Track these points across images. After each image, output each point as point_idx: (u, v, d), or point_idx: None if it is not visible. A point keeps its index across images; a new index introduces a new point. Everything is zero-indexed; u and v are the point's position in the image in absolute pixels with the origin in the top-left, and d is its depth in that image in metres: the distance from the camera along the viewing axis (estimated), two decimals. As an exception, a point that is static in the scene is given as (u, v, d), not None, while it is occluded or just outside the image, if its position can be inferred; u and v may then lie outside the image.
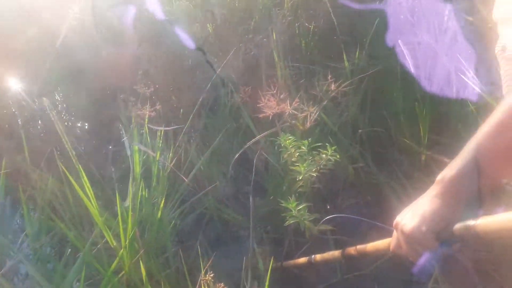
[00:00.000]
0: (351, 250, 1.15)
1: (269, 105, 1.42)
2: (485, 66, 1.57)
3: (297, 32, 2.52)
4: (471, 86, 1.54)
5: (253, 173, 1.79)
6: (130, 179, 1.58)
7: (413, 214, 0.80)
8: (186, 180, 1.76)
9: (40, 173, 1.80)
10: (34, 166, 1.85)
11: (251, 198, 1.73)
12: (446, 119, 1.96)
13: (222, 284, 1.30)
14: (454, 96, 1.88)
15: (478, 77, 1.56)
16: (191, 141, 2.21)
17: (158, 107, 1.91)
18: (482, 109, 1.63)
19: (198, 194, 1.87)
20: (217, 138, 1.99)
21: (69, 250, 1.62)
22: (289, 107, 1.41)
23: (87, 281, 1.45)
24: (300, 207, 1.48)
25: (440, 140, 1.95)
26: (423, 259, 0.76)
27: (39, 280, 1.34)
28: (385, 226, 1.03)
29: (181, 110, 2.41)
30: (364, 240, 1.14)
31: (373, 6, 2.52)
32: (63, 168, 1.49)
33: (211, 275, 1.29)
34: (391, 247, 0.92)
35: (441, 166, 1.81)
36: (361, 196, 1.99)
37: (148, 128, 1.80)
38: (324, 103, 1.55)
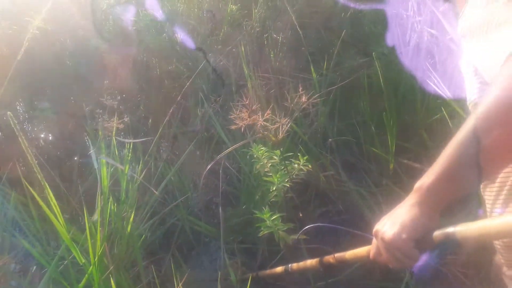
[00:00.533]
0: (330, 258, 1.14)
1: (241, 117, 1.41)
2: (449, 78, 1.63)
3: (265, 43, 2.55)
4: (438, 95, 1.60)
5: (224, 183, 1.77)
6: (98, 193, 1.53)
7: (393, 222, 0.82)
8: (156, 192, 1.72)
9: (2, 187, 1.72)
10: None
11: (220, 209, 1.71)
12: (413, 128, 2.02)
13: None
14: (420, 104, 1.94)
15: (443, 87, 1.62)
16: (161, 151, 2.17)
17: (126, 119, 1.87)
18: (445, 118, 1.69)
19: (169, 206, 1.83)
20: (187, 148, 1.96)
21: (34, 267, 1.55)
22: (261, 119, 1.41)
23: (54, 299, 1.39)
24: (274, 217, 1.47)
25: (408, 148, 2.01)
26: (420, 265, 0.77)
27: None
28: (359, 233, 1.03)
29: (150, 120, 2.38)
30: (338, 247, 1.14)
31: (338, 19, 2.59)
32: (26, 183, 1.43)
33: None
34: (370, 255, 0.92)
35: (409, 173, 1.87)
36: (332, 204, 2.02)
37: (116, 139, 1.75)
38: (295, 114, 1.56)
